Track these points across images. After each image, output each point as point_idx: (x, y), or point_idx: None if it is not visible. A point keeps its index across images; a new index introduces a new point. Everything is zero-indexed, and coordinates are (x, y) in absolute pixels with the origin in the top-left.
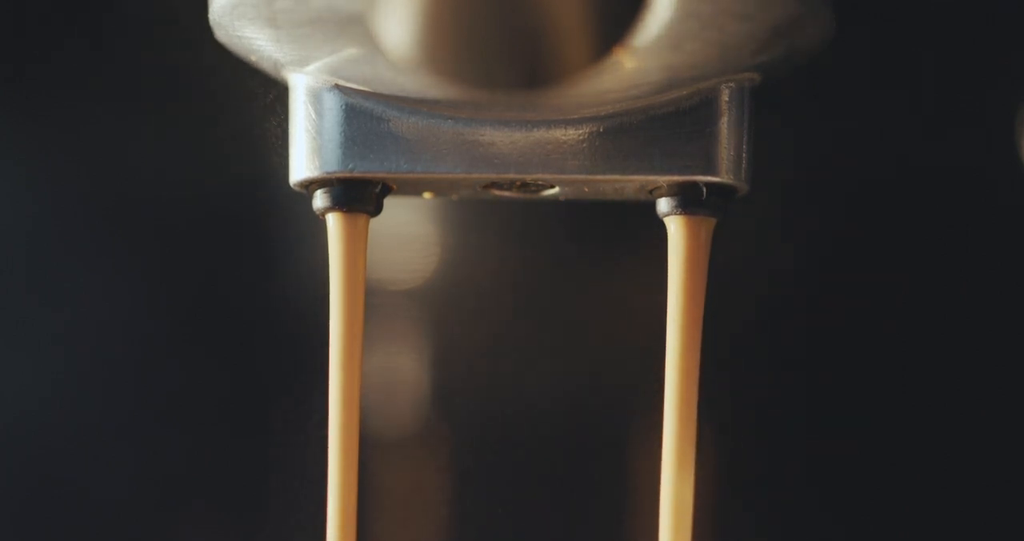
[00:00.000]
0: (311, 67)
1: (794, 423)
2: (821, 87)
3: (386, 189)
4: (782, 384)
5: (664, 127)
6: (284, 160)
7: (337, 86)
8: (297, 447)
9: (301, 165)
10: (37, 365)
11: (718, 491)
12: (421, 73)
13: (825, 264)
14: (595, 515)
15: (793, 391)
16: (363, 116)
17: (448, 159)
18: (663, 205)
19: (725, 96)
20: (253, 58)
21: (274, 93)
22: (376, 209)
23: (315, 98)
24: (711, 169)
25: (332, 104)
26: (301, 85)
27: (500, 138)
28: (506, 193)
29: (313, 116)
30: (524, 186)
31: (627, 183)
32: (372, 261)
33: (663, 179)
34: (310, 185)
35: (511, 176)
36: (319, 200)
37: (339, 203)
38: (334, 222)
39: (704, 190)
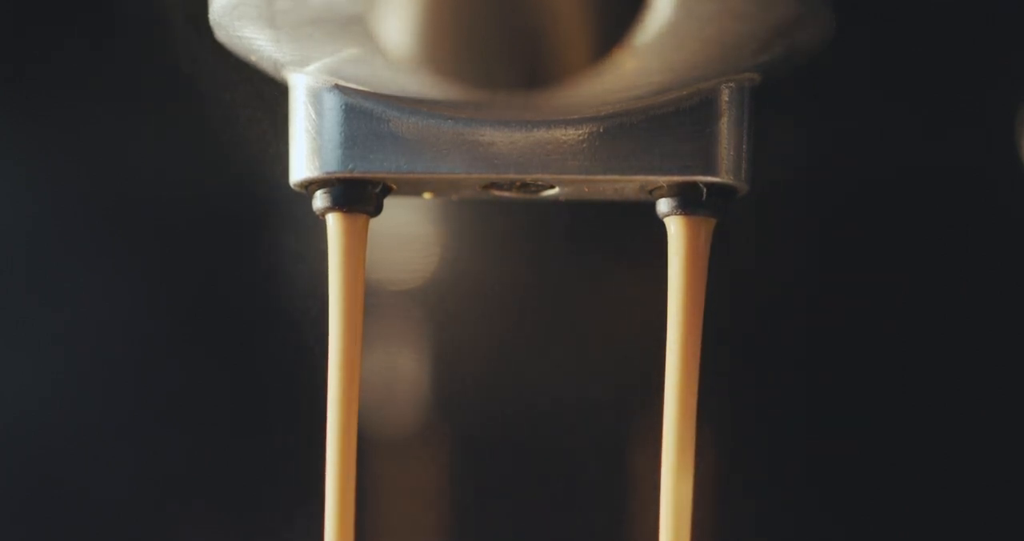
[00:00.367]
0: (311, 67)
1: (794, 423)
2: (821, 87)
3: (386, 189)
4: (782, 384)
5: (664, 127)
6: (284, 160)
7: (337, 86)
8: (297, 447)
9: (301, 165)
10: (37, 365)
11: (718, 491)
12: (421, 73)
13: (825, 264)
14: (595, 515)
15: (793, 391)
16: (363, 116)
17: (448, 159)
18: (663, 205)
19: (725, 96)
20: (253, 58)
21: (274, 93)
22: (376, 209)
23: (315, 98)
24: (711, 169)
25: (332, 104)
26: (301, 85)
27: (500, 138)
28: (506, 193)
29: (313, 116)
30: (524, 186)
31: (627, 183)
32: (372, 261)
33: (663, 179)
34: (310, 185)
35: (511, 176)
36: (319, 200)
37: (339, 203)
38: (334, 222)
39: (704, 190)
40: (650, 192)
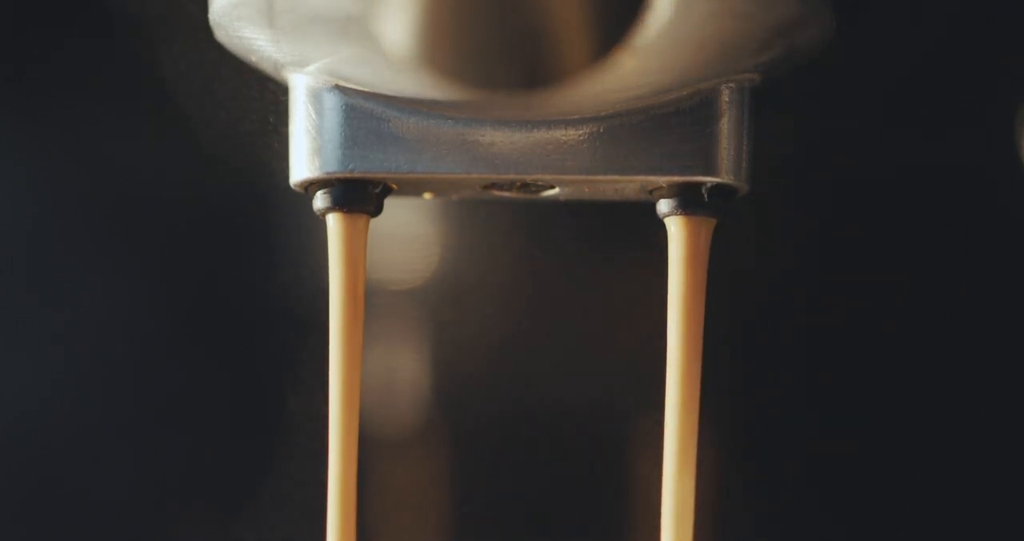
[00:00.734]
0: (311, 67)
1: (794, 423)
2: (821, 87)
3: (386, 189)
4: (782, 384)
5: (664, 127)
6: (284, 160)
7: (337, 86)
8: (297, 447)
9: (301, 165)
10: (37, 365)
11: (719, 491)
12: (421, 73)
13: (825, 264)
14: (596, 515)
15: (793, 391)
16: (363, 116)
17: (448, 159)
18: (663, 206)
19: (725, 96)
20: (253, 58)
21: (274, 93)
22: (376, 209)
23: (315, 98)
24: (711, 169)
25: (332, 104)
26: (301, 85)
27: (500, 138)
28: (506, 193)
29: (313, 116)
30: (524, 186)
31: (627, 183)
32: (372, 261)
33: (663, 179)
34: (310, 185)
35: (511, 176)
36: (319, 200)
37: (339, 203)
38: (334, 222)
39: (704, 190)
40: (650, 192)
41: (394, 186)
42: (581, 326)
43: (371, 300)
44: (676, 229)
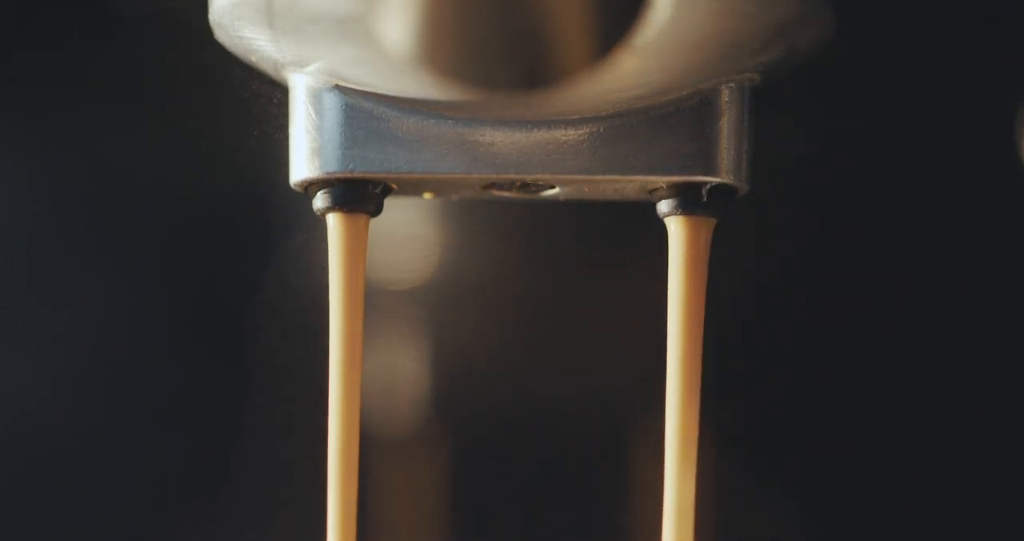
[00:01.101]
0: (311, 67)
1: (794, 423)
2: (821, 87)
3: (386, 189)
4: (782, 384)
5: (664, 127)
6: (284, 160)
7: (337, 86)
8: (297, 447)
9: (301, 165)
10: (37, 365)
11: (719, 491)
12: (421, 73)
13: (825, 264)
14: (597, 515)
15: (793, 391)
16: (363, 116)
17: (448, 159)
18: (663, 206)
19: (725, 96)
20: (253, 58)
21: (274, 93)
22: (376, 209)
23: (315, 98)
24: (711, 169)
25: (332, 104)
26: (301, 85)
27: (500, 138)
28: (506, 193)
29: (313, 116)
30: (524, 186)
31: (627, 183)
32: (372, 261)
33: (663, 179)
34: (310, 185)
35: (511, 176)
36: (319, 200)
37: (339, 203)
38: (334, 222)
39: (704, 190)
40: (650, 192)
41: (394, 186)
42: (581, 326)
43: (371, 300)
44: (676, 229)
